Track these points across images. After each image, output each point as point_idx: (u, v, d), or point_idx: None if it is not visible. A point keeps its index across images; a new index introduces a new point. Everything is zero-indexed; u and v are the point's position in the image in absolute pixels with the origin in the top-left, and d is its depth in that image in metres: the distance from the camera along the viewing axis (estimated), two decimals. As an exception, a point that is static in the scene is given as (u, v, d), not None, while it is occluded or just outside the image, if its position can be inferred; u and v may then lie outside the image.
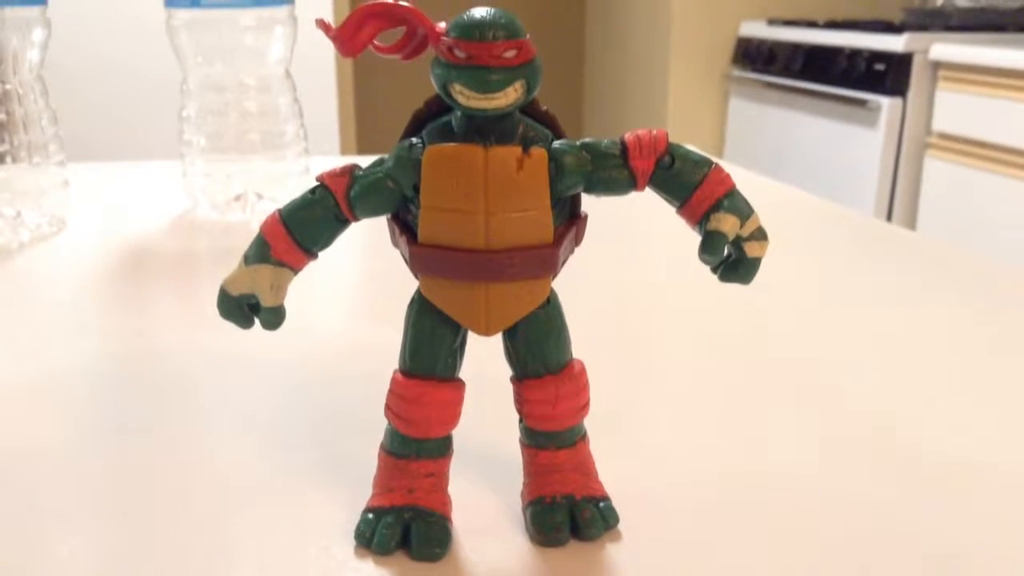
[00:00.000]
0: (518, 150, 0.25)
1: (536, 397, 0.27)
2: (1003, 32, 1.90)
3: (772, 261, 0.28)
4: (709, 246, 0.26)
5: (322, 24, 0.25)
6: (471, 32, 0.24)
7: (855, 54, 1.83)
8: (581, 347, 0.28)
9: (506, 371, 0.28)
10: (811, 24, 2.07)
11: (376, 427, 0.28)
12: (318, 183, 0.27)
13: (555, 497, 0.28)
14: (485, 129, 0.25)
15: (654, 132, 0.26)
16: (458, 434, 0.28)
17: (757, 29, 2.22)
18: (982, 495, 0.31)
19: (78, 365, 0.41)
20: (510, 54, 0.24)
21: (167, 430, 0.35)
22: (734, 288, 0.28)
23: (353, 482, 0.30)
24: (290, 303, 0.28)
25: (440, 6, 0.66)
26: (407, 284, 0.28)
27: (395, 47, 0.25)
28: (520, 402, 0.28)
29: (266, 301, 0.27)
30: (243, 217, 0.65)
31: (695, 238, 0.27)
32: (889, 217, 1.81)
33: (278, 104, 0.66)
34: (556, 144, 0.26)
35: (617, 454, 0.31)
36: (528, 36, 0.24)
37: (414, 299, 0.27)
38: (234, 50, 0.63)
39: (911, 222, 1.79)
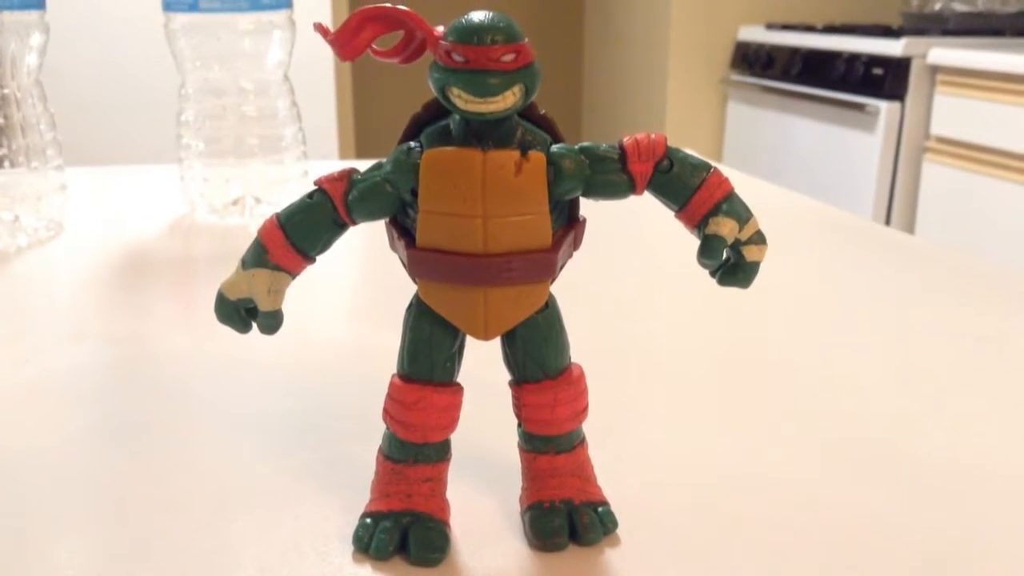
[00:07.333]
0: (516, 154, 0.25)
1: (534, 401, 0.27)
2: (1001, 36, 1.91)
3: (770, 265, 0.28)
4: (708, 250, 0.26)
5: (320, 28, 0.25)
6: (469, 36, 0.24)
7: (853, 58, 1.83)
8: (580, 351, 0.28)
9: (504, 375, 0.28)
10: (809, 28, 2.07)
11: (374, 432, 0.28)
12: (316, 187, 0.27)
13: (553, 502, 0.28)
14: (483, 133, 0.25)
15: (653, 136, 0.26)
16: (456, 439, 0.28)
17: (755, 33, 2.22)
18: (980, 499, 0.31)
19: (76, 369, 0.41)
20: (508, 58, 0.24)
21: (164, 434, 0.35)
22: (733, 292, 0.28)
23: (351, 487, 0.30)
24: (288, 307, 0.28)
25: (439, 10, 0.66)
26: (405, 288, 0.27)
27: (393, 51, 0.25)
28: (519, 406, 0.28)
29: (263, 305, 0.27)
30: (241, 221, 0.65)
31: (694, 242, 0.27)
32: (887, 221, 1.81)
33: (276, 108, 0.66)
34: (554, 148, 0.26)
35: (616, 458, 0.31)
36: (526, 40, 0.24)
37: (412, 303, 0.27)
38: (232, 54, 0.63)
39: (909, 226, 1.79)
